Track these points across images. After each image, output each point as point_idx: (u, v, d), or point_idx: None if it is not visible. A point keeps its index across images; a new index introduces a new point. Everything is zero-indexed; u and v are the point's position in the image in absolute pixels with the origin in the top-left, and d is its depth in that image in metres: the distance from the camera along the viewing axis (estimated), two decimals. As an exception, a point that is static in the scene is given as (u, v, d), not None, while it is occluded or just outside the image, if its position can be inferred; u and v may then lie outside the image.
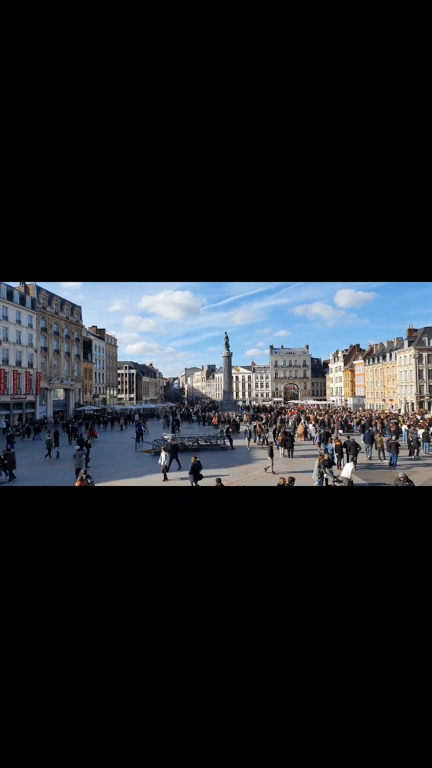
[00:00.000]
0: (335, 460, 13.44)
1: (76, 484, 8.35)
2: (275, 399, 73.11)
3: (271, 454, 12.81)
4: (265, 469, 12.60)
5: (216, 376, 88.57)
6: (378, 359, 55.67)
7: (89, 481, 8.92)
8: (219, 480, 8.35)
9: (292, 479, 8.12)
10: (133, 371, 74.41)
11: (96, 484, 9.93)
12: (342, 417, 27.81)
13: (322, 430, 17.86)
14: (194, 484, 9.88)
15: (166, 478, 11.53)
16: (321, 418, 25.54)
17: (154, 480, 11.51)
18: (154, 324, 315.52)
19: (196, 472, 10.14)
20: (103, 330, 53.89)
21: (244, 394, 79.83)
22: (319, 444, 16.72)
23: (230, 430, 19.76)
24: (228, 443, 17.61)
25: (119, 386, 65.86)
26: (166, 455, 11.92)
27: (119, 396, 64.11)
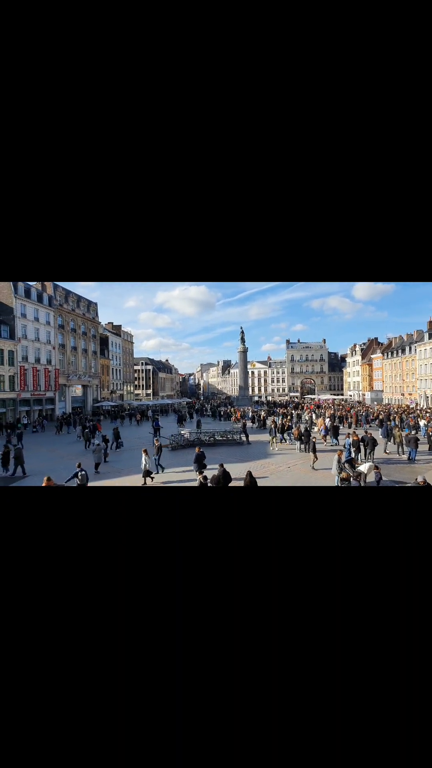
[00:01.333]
0: (352, 454, 13.24)
1: (44, 484, 7.49)
2: (291, 394, 72.47)
3: (314, 449, 12.75)
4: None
5: (232, 371, 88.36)
6: (397, 353, 54.21)
7: (80, 475, 8.83)
8: (249, 473, 8.09)
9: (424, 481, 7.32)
10: (150, 367, 75.24)
11: (100, 482, 10.02)
12: (360, 412, 27.30)
13: (329, 422, 17.58)
14: (198, 474, 9.88)
15: (145, 483, 10.39)
16: (338, 413, 25.07)
17: (167, 477, 11.57)
18: (170, 320, 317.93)
19: (199, 462, 10.34)
20: (119, 326, 54.57)
21: (260, 390, 79.48)
22: (325, 437, 16.48)
23: (252, 425, 19.29)
24: (244, 438, 17.61)
25: (136, 382, 66.77)
26: (147, 458, 10.65)
27: (136, 392, 65.01)
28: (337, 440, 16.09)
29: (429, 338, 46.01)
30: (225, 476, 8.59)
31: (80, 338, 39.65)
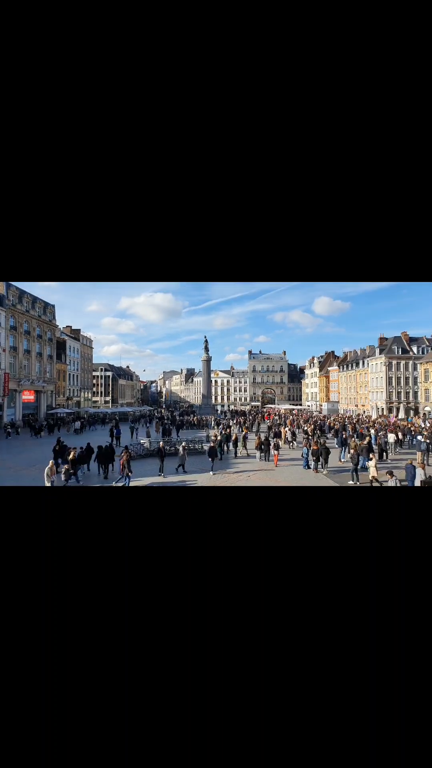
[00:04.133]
0: (311, 463, 13.62)
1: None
2: (253, 403, 73.75)
3: (320, 456, 13.37)
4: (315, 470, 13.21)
5: (195, 380, 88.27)
6: (351, 366, 57.44)
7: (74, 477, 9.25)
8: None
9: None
10: (109, 373, 72.93)
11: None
12: (317, 422, 28.37)
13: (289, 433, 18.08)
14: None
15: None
16: (335, 425, 25.15)
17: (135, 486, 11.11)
18: (134, 326, 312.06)
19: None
20: (78, 330, 52.55)
21: (223, 399, 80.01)
22: (290, 443, 16.85)
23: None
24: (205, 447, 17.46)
25: (94, 389, 64.26)
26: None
27: (94, 399, 62.53)
28: (303, 451, 16.51)
29: (379, 353, 49.32)
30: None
31: (34, 341, 37.43)
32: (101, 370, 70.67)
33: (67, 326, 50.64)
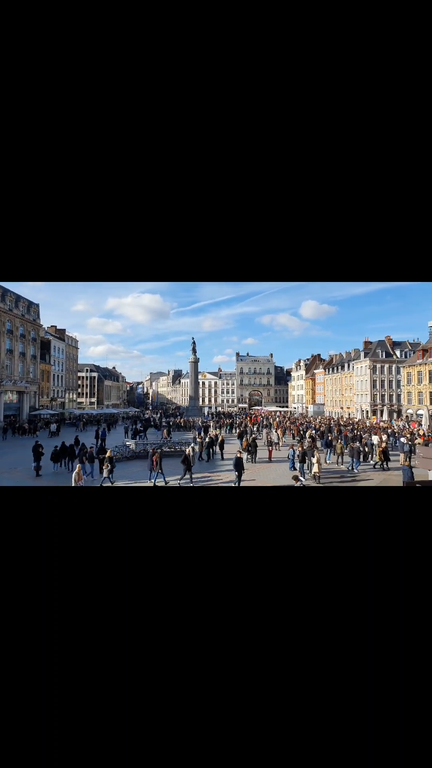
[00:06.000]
0: (296, 465, 13.72)
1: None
2: (240, 405, 73.99)
3: (306, 460, 13.17)
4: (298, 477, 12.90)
5: (182, 381, 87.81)
6: (337, 369, 58.38)
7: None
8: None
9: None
10: (95, 374, 71.85)
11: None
12: (303, 424, 28.64)
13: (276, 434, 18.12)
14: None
15: None
16: (321, 428, 25.49)
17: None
18: (121, 326, 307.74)
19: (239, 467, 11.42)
20: (63, 330, 51.63)
21: (210, 400, 79.94)
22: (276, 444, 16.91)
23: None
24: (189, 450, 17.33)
25: (79, 390, 63.16)
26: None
27: (79, 400, 61.45)
28: (290, 453, 16.60)
29: (364, 356, 50.32)
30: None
31: (17, 341, 36.50)
32: (87, 370, 69.57)
33: (51, 326, 49.69)
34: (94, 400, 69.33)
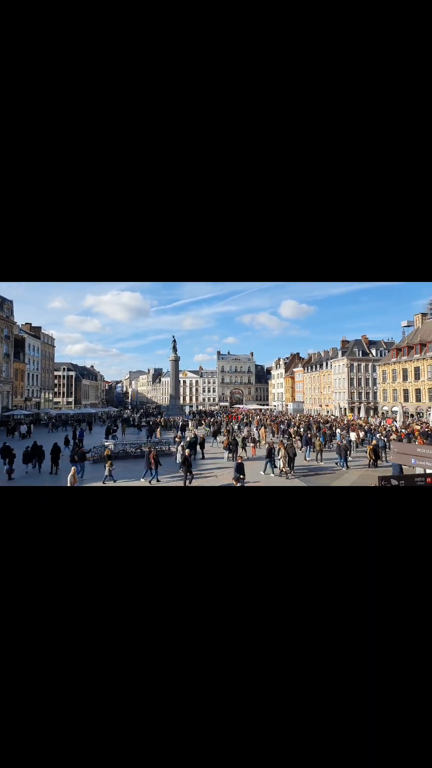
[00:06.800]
0: (278, 463, 13.84)
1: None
2: (221, 404, 74.20)
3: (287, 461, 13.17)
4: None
5: (163, 380, 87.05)
6: (316, 367, 59.59)
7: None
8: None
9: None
10: (72, 373, 70.03)
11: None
12: (282, 422, 29.02)
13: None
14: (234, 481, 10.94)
15: None
16: (299, 425, 25.66)
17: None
18: (99, 324, 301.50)
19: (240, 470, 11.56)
20: (39, 328, 49.99)
21: (191, 399, 79.70)
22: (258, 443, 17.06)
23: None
24: (174, 449, 17.18)
25: (56, 389, 61.41)
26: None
27: (55, 399, 59.74)
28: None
29: (342, 355, 51.59)
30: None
31: (-10, 338, 35.04)
32: (63, 369, 67.74)
33: (26, 323, 48.01)
34: (71, 399, 67.59)
